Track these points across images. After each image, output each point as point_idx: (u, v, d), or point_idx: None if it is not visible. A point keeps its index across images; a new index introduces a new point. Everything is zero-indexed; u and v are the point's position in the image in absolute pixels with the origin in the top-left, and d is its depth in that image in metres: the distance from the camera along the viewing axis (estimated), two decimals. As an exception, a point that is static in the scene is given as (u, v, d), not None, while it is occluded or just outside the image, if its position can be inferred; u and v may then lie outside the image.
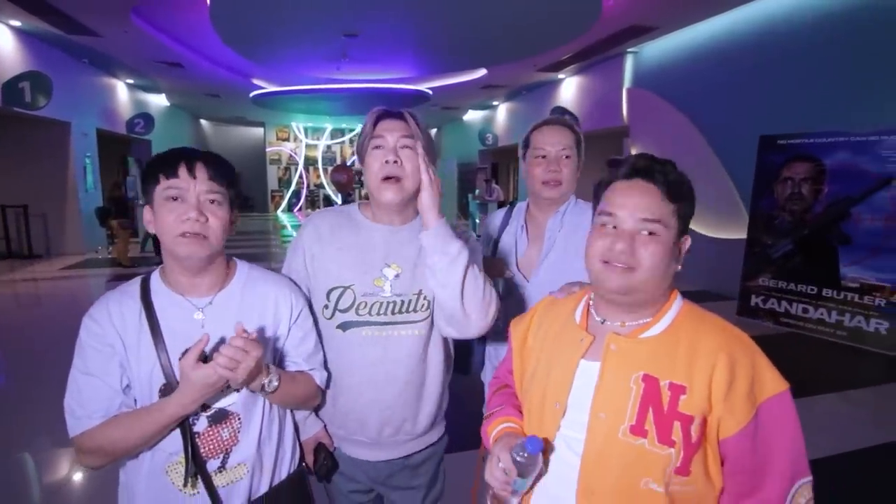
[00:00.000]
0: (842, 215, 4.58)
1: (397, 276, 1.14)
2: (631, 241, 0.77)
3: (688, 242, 0.82)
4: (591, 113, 8.67)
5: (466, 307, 1.05)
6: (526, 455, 0.75)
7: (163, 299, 0.99)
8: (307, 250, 1.17)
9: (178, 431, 0.94)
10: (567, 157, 1.39)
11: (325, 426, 1.21)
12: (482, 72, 9.38)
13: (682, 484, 0.72)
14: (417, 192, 1.10)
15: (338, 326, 1.14)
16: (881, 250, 4.33)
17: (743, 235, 5.39)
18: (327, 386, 1.17)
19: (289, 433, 1.12)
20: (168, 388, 0.94)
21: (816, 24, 5.09)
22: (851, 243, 4.53)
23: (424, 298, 1.15)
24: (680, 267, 0.81)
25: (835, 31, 4.90)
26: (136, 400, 0.96)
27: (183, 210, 0.93)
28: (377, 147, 1.12)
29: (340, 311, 1.13)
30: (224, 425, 0.98)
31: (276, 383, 0.96)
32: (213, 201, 0.96)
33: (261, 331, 1.03)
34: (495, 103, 13.06)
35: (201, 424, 0.96)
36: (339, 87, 10.25)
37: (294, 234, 11.08)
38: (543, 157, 1.40)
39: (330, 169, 16.51)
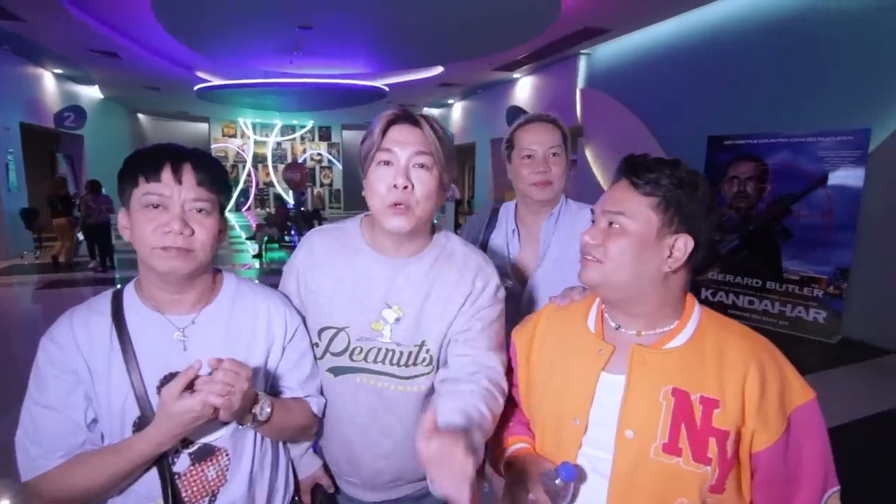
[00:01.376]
0: (783, 212, 4.86)
1: (398, 320, 0.97)
2: (599, 235, 0.77)
3: (681, 241, 0.75)
4: (546, 112, 8.79)
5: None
6: (559, 482, 0.70)
7: (138, 317, 0.85)
8: (301, 275, 1.03)
9: (154, 473, 0.82)
10: (555, 155, 1.33)
11: (323, 464, 1.09)
12: (439, 69, 9.32)
13: (716, 502, 0.70)
14: (428, 219, 0.95)
15: (328, 370, 1.01)
16: (819, 244, 4.63)
17: (693, 232, 5.61)
18: (323, 414, 1.04)
19: (282, 467, 1.00)
20: (143, 422, 0.80)
21: (760, 31, 5.36)
22: (792, 238, 4.82)
23: (427, 352, 0.98)
24: (668, 269, 0.75)
25: (776, 38, 5.18)
26: (103, 436, 0.83)
27: (165, 220, 0.80)
28: (385, 163, 0.93)
29: (333, 354, 1.00)
30: (210, 463, 0.86)
31: (268, 409, 0.85)
32: (200, 210, 0.83)
33: (249, 352, 0.91)
34: (451, 101, 13.04)
35: (182, 463, 0.84)
36: (291, 82, 9.87)
37: (242, 235, 10.55)
38: (530, 157, 1.34)
39: (281, 167, 15.97)
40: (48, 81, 9.82)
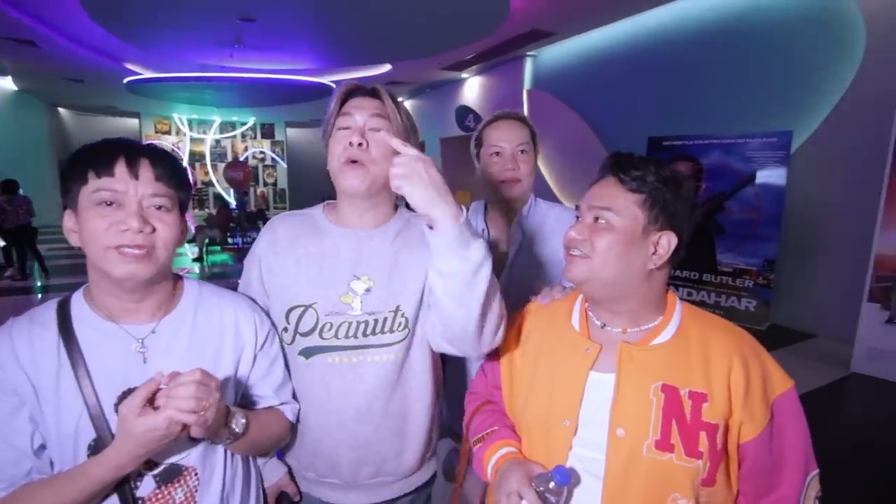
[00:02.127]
0: (717, 209, 5.19)
1: (368, 290, 0.96)
2: (584, 230, 0.78)
3: (665, 239, 0.76)
4: (493, 112, 8.91)
5: (485, 327, 0.86)
6: (553, 486, 0.69)
7: (89, 328, 0.77)
8: (263, 261, 1.00)
9: (115, 500, 0.74)
10: (523, 152, 1.34)
11: (288, 471, 1.04)
12: (387, 67, 9.22)
13: (707, 495, 0.72)
14: (387, 182, 0.89)
15: (300, 353, 0.97)
16: (748, 238, 4.98)
17: (637, 228, 5.88)
18: (304, 426, 0.99)
19: (254, 483, 0.95)
20: (101, 444, 0.73)
21: (693, 38, 5.69)
22: (725, 233, 5.15)
23: (403, 315, 0.97)
24: (653, 266, 0.77)
25: (708, 45, 5.52)
26: (52, 463, 0.75)
27: (120, 218, 0.73)
28: (343, 128, 0.95)
29: (301, 334, 0.96)
30: (177, 485, 0.79)
31: (243, 421, 0.79)
32: (160, 207, 0.76)
33: (217, 362, 0.85)
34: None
35: (147, 487, 0.77)
36: (231, 76, 9.43)
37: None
38: (498, 153, 1.34)
39: (221, 166, 15.25)
40: (-50, 70, 8.86)
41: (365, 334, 0.96)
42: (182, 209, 0.82)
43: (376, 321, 0.96)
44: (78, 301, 0.80)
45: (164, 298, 0.83)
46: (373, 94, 0.97)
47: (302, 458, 1.03)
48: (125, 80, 10.04)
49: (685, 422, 0.72)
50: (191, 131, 16.37)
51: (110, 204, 0.73)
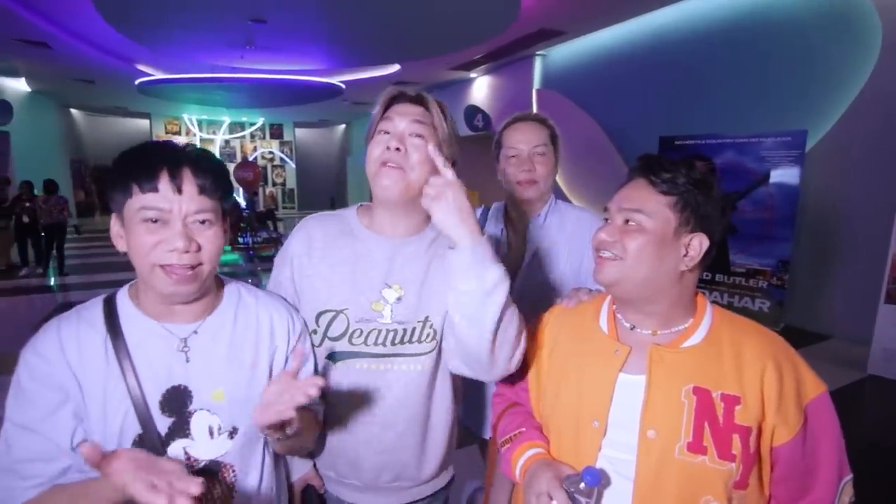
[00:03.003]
0: (730, 208, 5.13)
1: (399, 299, 0.96)
2: (615, 232, 0.77)
3: (696, 240, 0.76)
4: (502, 112, 8.90)
5: (497, 351, 0.85)
6: (583, 487, 0.69)
7: (135, 327, 0.78)
8: (296, 262, 0.99)
9: None
10: (541, 154, 1.33)
11: (314, 465, 1.05)
12: (395, 67, 9.23)
13: (739, 498, 0.71)
14: (422, 190, 0.89)
15: (328, 357, 0.97)
16: (762, 239, 4.93)
17: (648, 228, 5.84)
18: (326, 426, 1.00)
19: (283, 476, 0.96)
20: (145, 439, 0.74)
21: (706, 36, 5.65)
22: (738, 233, 5.10)
23: (431, 327, 0.97)
24: (685, 268, 0.77)
25: (721, 43, 5.47)
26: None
27: (167, 237, 0.73)
28: (384, 132, 0.94)
29: (331, 338, 0.96)
30: (215, 482, 0.80)
31: (297, 424, 0.77)
32: (203, 221, 0.76)
33: (254, 363, 0.86)
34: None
35: None
36: (241, 77, 9.49)
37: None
38: (515, 156, 1.34)
39: (232, 166, 15.36)
40: (-34, 72, 8.99)
41: (394, 343, 0.95)
42: (225, 215, 0.82)
43: (405, 331, 0.96)
44: (123, 298, 0.81)
45: (207, 302, 0.84)
46: (417, 100, 0.96)
47: (324, 456, 1.03)
48: (137, 82, 10.14)
49: (718, 424, 0.71)
50: (200, 132, 16.51)
51: (155, 221, 0.73)
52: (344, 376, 0.96)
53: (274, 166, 17.54)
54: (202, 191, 0.76)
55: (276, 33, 6.73)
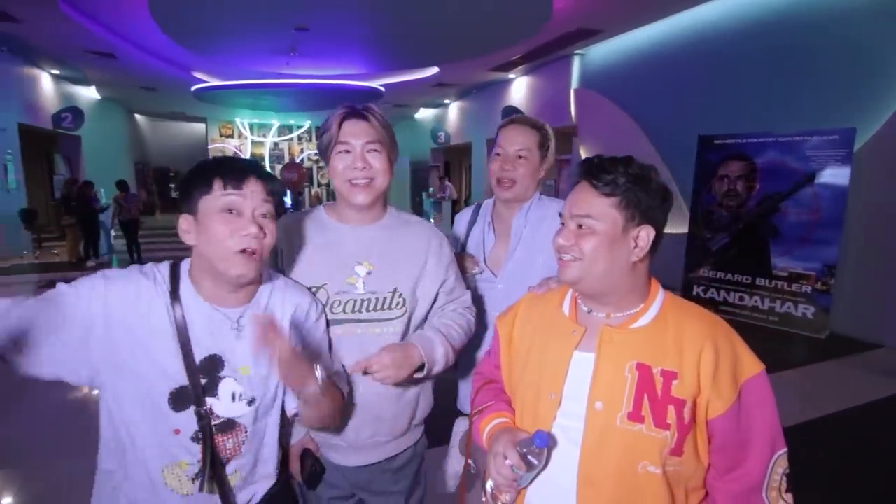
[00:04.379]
0: (772, 210, 4.96)
1: (369, 273, 1.15)
2: (571, 237, 0.85)
3: (644, 232, 0.82)
4: (541, 112, 8.88)
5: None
6: (534, 449, 0.78)
7: (192, 306, 0.93)
8: (278, 252, 1.15)
9: (189, 440, 0.91)
10: (521, 157, 1.38)
11: (308, 431, 1.18)
12: (434, 70, 9.39)
13: (675, 464, 0.78)
14: (383, 190, 1.15)
15: None
16: (806, 241, 4.73)
17: (684, 230, 5.72)
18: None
19: (280, 442, 1.08)
20: (181, 393, 0.89)
21: (748, 32, 5.46)
22: (780, 235, 4.91)
23: (400, 296, 1.15)
24: (636, 259, 0.83)
25: (764, 38, 5.28)
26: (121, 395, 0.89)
27: (242, 224, 0.88)
28: (345, 151, 1.12)
29: None
30: (229, 435, 0.95)
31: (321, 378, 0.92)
32: (265, 215, 0.93)
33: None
34: (447, 101, 13.11)
35: None
36: (287, 83, 9.93)
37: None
38: (499, 155, 1.42)
39: (279, 167, 16.01)
40: (45, 82, 9.85)
41: (368, 310, 1.13)
42: (277, 217, 0.98)
43: (377, 299, 1.14)
44: (185, 276, 0.95)
45: (252, 289, 0.99)
46: (364, 118, 1.13)
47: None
48: (192, 88, 10.80)
49: (656, 397, 0.77)
50: (251, 135, 17.30)
51: (231, 212, 0.89)
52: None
53: (319, 167, 18.12)
54: (269, 192, 0.93)
55: (317, 40, 7.04)
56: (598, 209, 0.82)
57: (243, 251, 0.89)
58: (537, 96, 9.30)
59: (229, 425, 0.95)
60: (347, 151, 1.12)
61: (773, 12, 5.19)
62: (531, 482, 0.85)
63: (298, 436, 1.16)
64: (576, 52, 8.00)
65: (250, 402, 0.96)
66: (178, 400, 0.90)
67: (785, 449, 0.80)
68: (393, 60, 8.71)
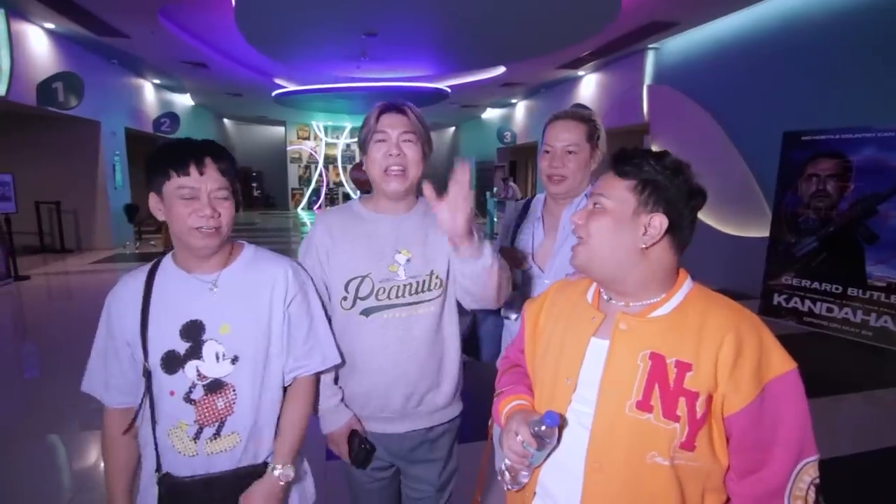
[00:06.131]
0: (868, 212, 4.47)
1: (409, 260, 1.21)
2: (584, 216, 0.85)
3: (657, 220, 0.79)
4: (611, 110, 8.60)
5: (500, 293, 1.16)
6: (544, 428, 0.79)
7: (170, 276, 1.06)
8: (320, 248, 1.23)
9: (180, 398, 1.02)
10: (570, 152, 1.38)
11: (354, 413, 1.25)
12: (501, 69, 9.38)
13: (687, 459, 0.75)
14: (418, 181, 1.21)
15: (361, 313, 1.20)
16: (909, 249, 4.22)
17: (765, 233, 5.30)
18: (362, 375, 1.23)
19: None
20: (170, 357, 1.01)
21: (840, 19, 4.97)
22: (878, 241, 4.42)
23: (437, 277, 1.23)
24: (643, 245, 0.80)
25: (858, 26, 4.78)
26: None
27: (198, 207, 0.98)
28: (380, 140, 1.20)
29: (361, 298, 1.20)
30: (219, 395, 1.04)
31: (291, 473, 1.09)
32: (222, 197, 1.02)
33: (259, 308, 1.09)
34: (514, 101, 13.02)
35: (198, 393, 1.03)
36: (358, 86, 10.35)
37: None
38: (548, 152, 1.42)
39: (349, 167, 16.68)
40: (148, 91, 10.96)
41: (411, 293, 1.21)
42: (235, 195, 1.06)
43: (418, 283, 1.22)
44: (167, 259, 1.09)
45: (223, 258, 1.09)
46: (401, 111, 1.21)
47: (355, 398, 1.25)
48: (273, 94, 11.54)
49: (668, 387, 0.75)
50: (326, 137, 18.17)
51: (189, 198, 0.98)
52: (376, 326, 1.20)
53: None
54: (221, 172, 1.01)
55: (386, 44, 7.27)
56: (613, 189, 0.82)
57: (200, 229, 0.99)
58: (607, 94, 9.00)
59: (217, 385, 1.03)
60: (384, 140, 1.19)
61: (874, -5, 4.69)
62: (543, 461, 0.85)
63: (344, 418, 1.23)
64: (650, 46, 7.66)
65: (234, 361, 1.03)
66: (168, 364, 1.01)
67: (816, 456, 0.74)
68: (459, 61, 8.80)
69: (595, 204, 0.84)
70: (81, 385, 1.08)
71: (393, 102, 1.22)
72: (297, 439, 1.12)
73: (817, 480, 0.73)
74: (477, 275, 1.12)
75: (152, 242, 9.97)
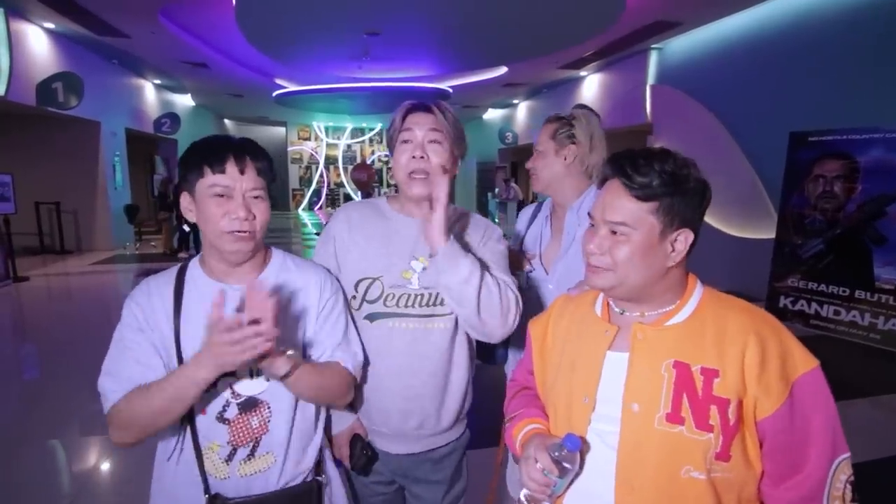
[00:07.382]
0: (877, 214, 4.42)
1: (424, 269, 1.13)
2: (604, 243, 0.78)
3: (682, 236, 0.76)
4: (613, 110, 8.54)
5: (483, 317, 1.04)
6: (565, 453, 0.74)
7: (199, 284, 0.98)
8: (338, 239, 1.17)
9: (212, 418, 0.94)
10: (538, 151, 1.40)
11: (357, 417, 1.20)
12: (503, 69, 9.33)
13: (723, 470, 0.71)
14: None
15: (365, 317, 1.14)
16: (918, 251, 4.17)
17: (771, 235, 5.25)
18: (363, 379, 1.14)
19: (321, 423, 1.10)
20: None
21: (847, 18, 4.92)
22: (886, 243, 4.36)
23: None
24: (672, 264, 0.77)
25: (866, 25, 4.73)
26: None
27: (232, 208, 0.92)
28: (405, 141, 1.13)
29: (368, 301, 1.13)
30: (253, 413, 0.97)
31: (287, 367, 0.90)
32: (257, 197, 0.95)
33: (291, 316, 1.02)
34: (515, 101, 12.98)
35: (232, 412, 0.96)
36: (360, 86, 10.31)
37: (314, 232, 11.25)
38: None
39: (350, 168, 16.65)
40: (149, 91, 10.93)
41: (422, 305, 1.13)
42: (270, 194, 1.01)
43: (430, 295, 1.13)
44: (194, 266, 1.01)
45: (256, 265, 1.02)
46: (429, 110, 1.13)
47: (357, 407, 1.19)
48: (274, 94, 11.50)
49: (697, 396, 0.71)
50: (327, 137, 18.14)
51: (222, 196, 0.92)
52: (380, 333, 1.13)
53: (389, 168, 18.62)
54: (259, 172, 0.95)
55: (388, 44, 7.23)
56: (634, 216, 0.75)
57: (233, 232, 0.92)
58: (610, 94, 8.96)
59: (251, 403, 0.97)
60: (409, 141, 1.12)
61: (882, -6, 4.64)
62: (566, 489, 0.80)
63: (348, 421, 1.18)
64: (653, 46, 7.62)
65: (269, 377, 0.95)
66: None
67: (848, 454, 0.71)
68: (461, 61, 8.76)
69: (613, 231, 0.77)
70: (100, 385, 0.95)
71: (421, 101, 1.15)
72: (317, 371, 1.00)
73: (852, 478, 0.71)
74: (451, 289, 1.03)
75: (152, 243, 9.93)
